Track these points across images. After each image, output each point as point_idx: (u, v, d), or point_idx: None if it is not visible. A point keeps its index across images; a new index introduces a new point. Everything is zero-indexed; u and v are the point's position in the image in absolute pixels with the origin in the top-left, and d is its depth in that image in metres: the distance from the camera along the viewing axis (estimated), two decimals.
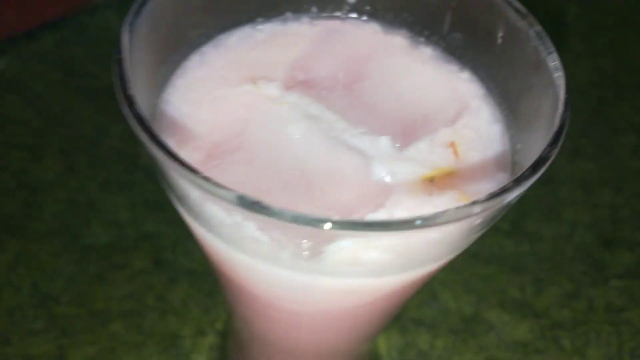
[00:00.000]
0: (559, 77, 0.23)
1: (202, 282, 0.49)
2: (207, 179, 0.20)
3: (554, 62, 0.24)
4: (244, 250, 0.23)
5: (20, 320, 0.47)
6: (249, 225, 0.23)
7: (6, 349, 0.45)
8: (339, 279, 0.23)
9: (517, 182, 0.20)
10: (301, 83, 0.29)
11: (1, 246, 0.51)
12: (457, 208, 0.19)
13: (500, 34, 0.27)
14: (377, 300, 0.27)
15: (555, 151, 0.21)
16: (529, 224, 0.53)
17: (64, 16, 0.69)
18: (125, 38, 0.24)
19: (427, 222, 0.19)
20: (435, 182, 0.25)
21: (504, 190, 0.20)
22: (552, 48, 0.24)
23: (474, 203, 0.19)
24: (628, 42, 0.69)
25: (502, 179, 0.26)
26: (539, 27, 0.25)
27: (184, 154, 0.21)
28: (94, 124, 0.60)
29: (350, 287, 0.24)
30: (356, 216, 0.24)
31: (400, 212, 0.24)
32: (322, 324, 0.30)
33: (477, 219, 0.21)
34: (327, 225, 0.19)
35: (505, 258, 0.51)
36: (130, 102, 0.21)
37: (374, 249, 0.23)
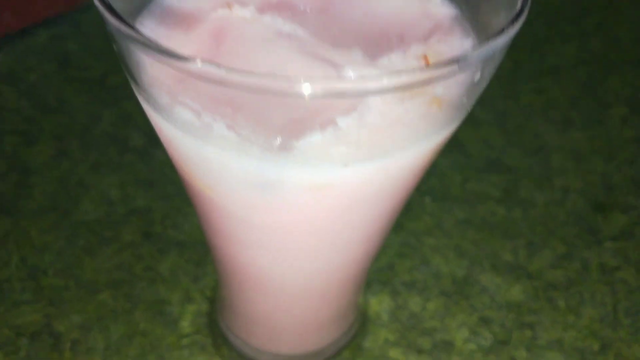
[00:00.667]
0: None
1: (191, 252, 0.49)
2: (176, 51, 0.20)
3: None
4: (214, 145, 0.23)
5: (7, 292, 0.46)
6: (218, 125, 0.24)
7: None
8: (307, 169, 0.23)
9: (475, 49, 0.20)
10: (274, 7, 0.29)
11: None
12: (420, 68, 0.19)
13: None
14: (350, 214, 0.27)
15: (516, 27, 0.21)
16: (520, 191, 0.52)
17: (58, 14, 0.71)
18: None
19: (392, 77, 0.19)
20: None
21: (463, 53, 0.20)
22: None
23: (435, 63, 0.19)
24: (615, 23, 0.70)
25: None
26: None
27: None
28: (86, 112, 0.61)
29: (319, 180, 0.24)
30: (327, 117, 0.24)
31: (371, 116, 0.24)
32: (297, 245, 0.30)
33: (438, 87, 0.21)
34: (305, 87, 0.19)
35: (497, 224, 0.50)
36: None
37: (343, 144, 0.23)
